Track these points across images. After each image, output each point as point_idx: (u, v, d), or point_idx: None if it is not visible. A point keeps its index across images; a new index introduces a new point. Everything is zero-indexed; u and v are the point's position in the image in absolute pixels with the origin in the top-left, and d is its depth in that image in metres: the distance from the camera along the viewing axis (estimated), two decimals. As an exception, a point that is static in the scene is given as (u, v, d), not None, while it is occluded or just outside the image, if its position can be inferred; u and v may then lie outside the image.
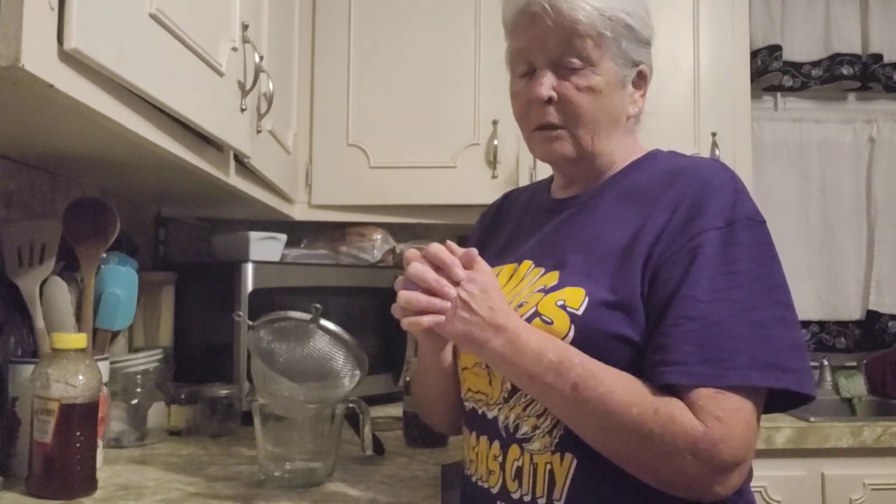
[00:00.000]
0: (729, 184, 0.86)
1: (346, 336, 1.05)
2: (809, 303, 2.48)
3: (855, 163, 2.51)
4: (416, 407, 1.24)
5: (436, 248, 0.84)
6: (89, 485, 0.97)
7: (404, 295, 0.82)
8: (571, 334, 0.83)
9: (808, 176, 2.50)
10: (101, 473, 1.05)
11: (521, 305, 0.89)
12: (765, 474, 1.77)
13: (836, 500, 1.78)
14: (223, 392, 1.41)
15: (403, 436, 1.35)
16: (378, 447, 1.22)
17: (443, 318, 0.82)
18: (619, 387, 0.79)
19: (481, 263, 0.85)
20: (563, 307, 0.84)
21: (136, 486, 1.03)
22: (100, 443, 1.07)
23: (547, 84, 0.92)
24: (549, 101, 0.92)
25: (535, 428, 0.86)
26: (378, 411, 1.61)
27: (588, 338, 0.82)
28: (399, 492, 1.03)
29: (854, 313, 2.48)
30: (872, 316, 2.44)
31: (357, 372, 1.06)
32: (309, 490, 1.02)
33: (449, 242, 0.86)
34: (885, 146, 2.50)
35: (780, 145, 2.51)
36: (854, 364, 2.40)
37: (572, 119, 0.93)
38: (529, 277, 0.93)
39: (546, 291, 0.87)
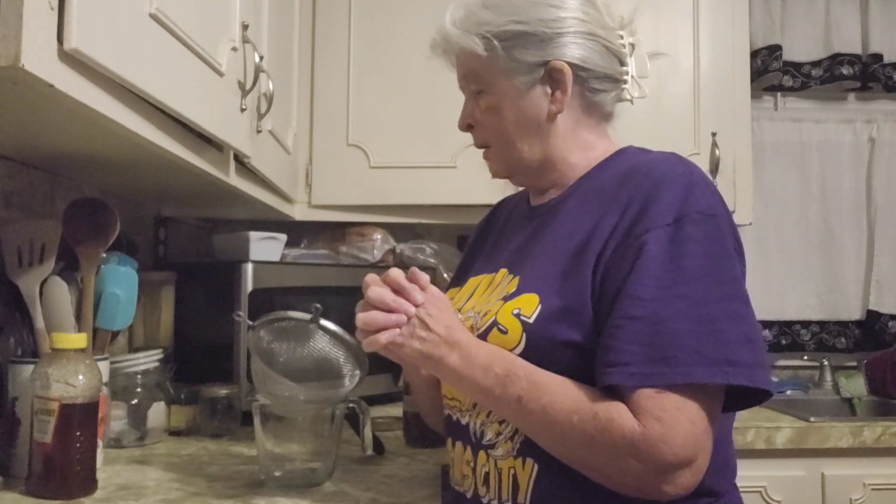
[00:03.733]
0: (682, 178, 0.84)
1: (346, 336, 1.05)
2: (809, 303, 2.48)
3: (855, 163, 2.51)
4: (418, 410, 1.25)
5: (395, 272, 0.87)
6: (89, 485, 0.97)
7: (361, 316, 0.85)
8: (523, 342, 0.84)
9: (808, 176, 2.50)
10: (101, 473, 1.05)
11: (485, 314, 0.90)
12: (765, 474, 1.77)
13: (837, 500, 1.78)
14: (223, 392, 1.41)
15: (403, 436, 1.35)
16: (378, 447, 1.22)
17: (398, 331, 0.84)
18: (561, 396, 0.80)
19: (431, 287, 0.88)
20: (518, 315, 0.85)
21: (136, 486, 1.03)
22: (100, 443, 1.07)
23: (463, 115, 1.02)
24: (470, 127, 1.02)
25: (498, 434, 0.88)
26: (378, 411, 1.61)
27: (538, 345, 0.83)
28: (399, 492, 1.03)
29: (854, 313, 2.48)
30: (872, 316, 2.44)
31: (357, 372, 1.06)
32: (309, 490, 1.03)
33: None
34: (885, 146, 2.50)
35: (780, 145, 2.51)
36: (854, 364, 2.39)
37: (488, 139, 1.01)
38: (501, 285, 0.94)
39: (506, 299, 0.89)
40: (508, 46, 0.93)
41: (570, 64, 0.93)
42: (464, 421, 0.93)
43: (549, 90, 0.94)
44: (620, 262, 0.81)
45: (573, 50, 0.93)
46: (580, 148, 0.97)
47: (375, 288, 0.86)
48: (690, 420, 0.76)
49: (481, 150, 1.05)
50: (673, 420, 0.75)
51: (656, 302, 0.78)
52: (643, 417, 0.76)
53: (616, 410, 0.77)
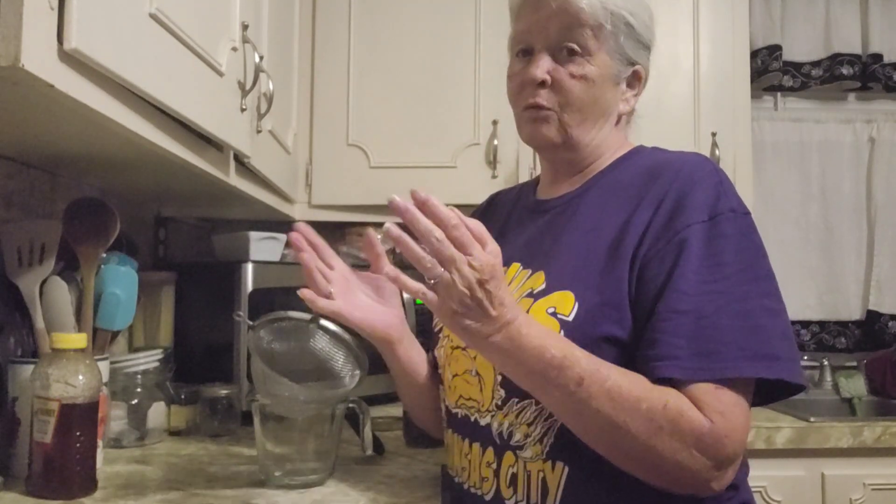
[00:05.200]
0: (712, 176, 0.86)
1: (346, 336, 1.05)
2: (809, 303, 2.48)
3: (855, 163, 2.51)
4: (405, 408, 1.24)
5: (447, 211, 0.71)
6: (89, 485, 0.97)
7: (397, 232, 0.70)
8: None
9: (808, 176, 2.50)
10: (101, 473, 1.05)
11: None
12: (765, 474, 1.77)
13: (836, 500, 1.78)
14: (223, 392, 1.41)
15: (403, 436, 1.35)
16: (378, 447, 1.22)
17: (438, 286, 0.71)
18: (626, 381, 0.78)
19: (492, 244, 0.74)
20: (554, 314, 0.84)
21: (136, 486, 1.03)
22: (100, 443, 1.07)
23: (543, 67, 0.93)
24: (543, 83, 0.93)
25: (527, 436, 0.86)
26: (378, 411, 1.61)
27: (579, 342, 0.82)
28: (399, 492, 1.03)
29: (854, 313, 2.48)
30: (872, 316, 2.44)
31: (357, 372, 1.06)
32: (309, 490, 1.02)
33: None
34: (885, 146, 2.50)
35: (780, 145, 2.51)
36: (854, 364, 2.40)
37: (562, 103, 0.94)
38: (517, 280, 0.93)
39: (535, 297, 0.87)
40: (620, 31, 0.94)
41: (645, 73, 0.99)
42: (483, 422, 0.91)
43: (625, 89, 0.98)
44: (662, 257, 0.82)
45: (646, 61, 0.99)
46: (612, 145, 0.99)
47: (426, 222, 0.70)
48: (745, 415, 0.78)
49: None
50: (734, 415, 0.77)
51: (699, 297, 0.79)
52: (708, 411, 0.76)
53: (685, 402, 0.77)
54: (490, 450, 0.90)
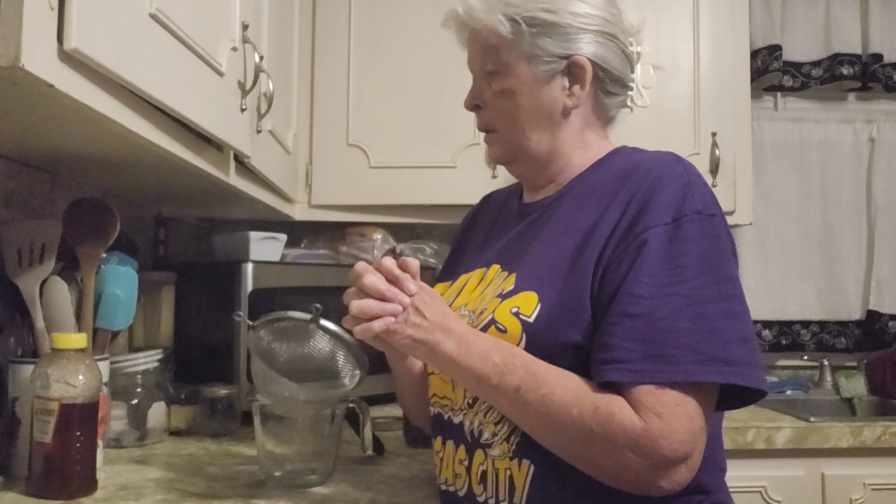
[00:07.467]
0: (679, 177, 0.85)
1: (346, 336, 1.04)
2: (809, 303, 2.48)
3: (855, 163, 2.51)
4: (402, 409, 1.25)
5: (388, 261, 0.86)
6: (89, 485, 0.97)
7: (356, 304, 0.84)
8: (524, 342, 0.84)
9: (808, 176, 2.50)
10: (101, 473, 1.05)
11: (481, 312, 0.90)
12: (765, 474, 1.77)
13: (836, 500, 1.78)
14: (223, 392, 1.41)
15: (403, 436, 1.35)
16: (378, 447, 1.22)
17: (392, 320, 0.82)
18: (561, 388, 0.80)
19: (418, 280, 0.87)
20: (517, 314, 0.85)
21: (136, 486, 1.03)
22: (100, 443, 1.07)
23: (471, 93, 1.00)
24: (477, 108, 0.99)
25: (495, 434, 0.88)
26: (378, 411, 1.61)
27: (539, 345, 0.83)
28: (399, 492, 1.03)
29: (854, 313, 2.48)
30: (872, 316, 2.44)
31: (357, 372, 1.05)
32: (309, 490, 1.03)
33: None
34: (885, 146, 2.50)
35: (780, 145, 2.51)
36: (854, 364, 2.39)
37: (495, 122, 0.98)
38: (495, 282, 0.94)
39: (503, 297, 0.89)
40: (535, 33, 0.92)
41: (591, 62, 0.93)
42: (457, 420, 0.93)
43: (566, 84, 0.94)
44: (620, 260, 0.82)
45: (596, 48, 0.94)
46: (583, 147, 0.97)
47: (370, 276, 0.84)
48: (689, 416, 0.77)
49: (476, 138, 1.05)
50: (672, 416, 0.76)
51: (655, 300, 0.79)
52: (643, 413, 0.77)
53: (617, 405, 0.78)
54: (462, 447, 0.92)
